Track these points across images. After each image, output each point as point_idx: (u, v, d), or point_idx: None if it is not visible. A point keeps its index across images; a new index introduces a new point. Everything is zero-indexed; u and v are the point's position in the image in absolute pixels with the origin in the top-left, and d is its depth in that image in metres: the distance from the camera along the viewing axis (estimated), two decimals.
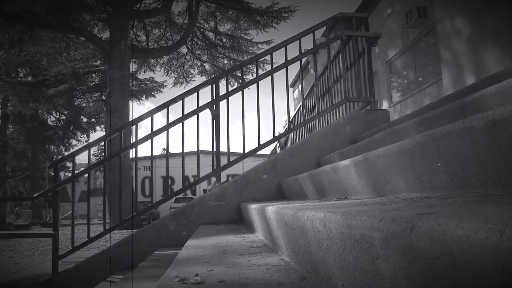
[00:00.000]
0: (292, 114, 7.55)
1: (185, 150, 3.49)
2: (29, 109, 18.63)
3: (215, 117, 3.55)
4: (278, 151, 8.07)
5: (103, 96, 19.50)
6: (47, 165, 23.84)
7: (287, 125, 5.63)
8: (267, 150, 13.68)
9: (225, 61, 16.88)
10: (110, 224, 8.24)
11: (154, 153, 3.76)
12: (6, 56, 16.88)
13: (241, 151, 3.56)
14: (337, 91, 4.13)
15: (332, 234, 0.79)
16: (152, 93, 19.75)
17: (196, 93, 3.56)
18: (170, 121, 3.52)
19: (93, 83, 19.87)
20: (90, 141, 14.88)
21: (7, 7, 11.49)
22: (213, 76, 15.86)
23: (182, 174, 3.83)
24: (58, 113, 23.74)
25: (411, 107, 9.06)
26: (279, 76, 3.91)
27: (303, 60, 3.86)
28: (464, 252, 0.41)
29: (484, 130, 0.94)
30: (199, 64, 17.19)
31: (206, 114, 3.61)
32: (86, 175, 3.63)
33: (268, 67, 12.74)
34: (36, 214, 22.77)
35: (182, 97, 3.60)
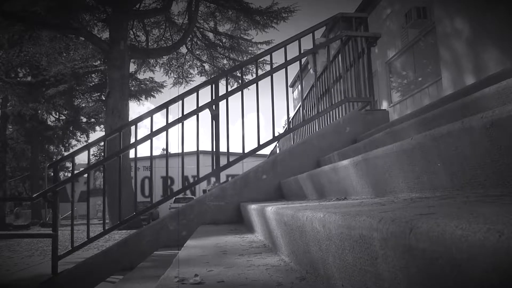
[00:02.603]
0: (291, 114, 7.55)
1: (185, 150, 3.49)
2: (28, 109, 18.63)
3: (215, 117, 3.55)
4: (278, 151, 8.07)
5: (102, 96, 19.51)
6: (46, 165, 23.79)
7: (286, 125, 5.63)
8: (266, 150, 13.68)
9: (225, 61, 16.89)
10: (110, 225, 8.24)
11: (154, 153, 3.76)
12: (6, 56, 16.87)
13: (241, 151, 3.56)
14: (337, 91, 4.13)
15: (332, 235, 0.79)
16: (152, 93, 19.76)
17: (195, 93, 3.56)
18: (169, 121, 3.52)
19: (93, 83, 19.87)
20: (89, 141, 14.89)
21: (7, 7, 11.49)
22: (212, 76, 15.87)
23: (182, 174, 3.83)
24: (57, 113, 23.74)
25: (410, 107, 9.07)
26: (279, 76, 3.91)
27: (303, 60, 3.86)
28: (463, 252, 0.41)
29: (483, 131, 0.94)
30: (198, 64, 17.20)
31: (205, 114, 3.61)
32: (85, 175, 3.63)
33: (268, 67, 12.75)
34: (35, 215, 22.76)
35: (181, 97, 3.60)
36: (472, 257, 0.40)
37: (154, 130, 3.52)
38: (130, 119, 10.86)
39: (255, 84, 3.70)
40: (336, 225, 0.76)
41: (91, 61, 16.98)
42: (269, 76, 3.70)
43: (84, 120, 24.23)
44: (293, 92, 19.50)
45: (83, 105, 21.31)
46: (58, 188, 3.44)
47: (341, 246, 0.76)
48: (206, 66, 17.18)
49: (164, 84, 19.58)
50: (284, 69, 3.69)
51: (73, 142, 27.02)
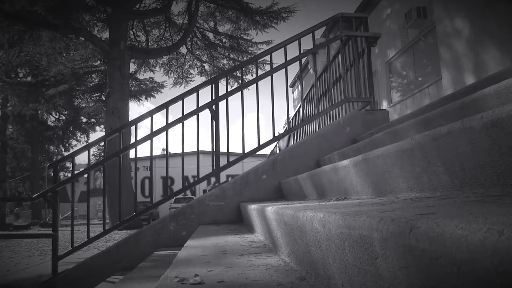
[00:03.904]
0: (291, 114, 7.55)
1: (185, 150, 3.49)
2: (28, 109, 18.63)
3: (215, 117, 3.55)
4: (278, 151, 8.07)
5: (102, 96, 19.51)
6: (46, 165, 23.77)
7: (286, 125, 5.63)
8: (266, 150, 13.67)
9: (225, 61, 16.88)
10: (110, 225, 8.24)
11: (154, 153, 3.76)
12: (6, 56, 16.87)
13: (241, 151, 3.56)
14: (337, 91, 4.13)
15: (332, 235, 0.79)
16: (152, 93, 19.76)
17: (195, 93, 3.56)
18: (169, 121, 3.52)
19: (93, 83, 19.88)
20: (89, 141, 14.89)
21: (7, 7, 11.49)
22: (212, 76, 15.87)
23: (182, 174, 3.83)
24: (57, 113, 23.75)
25: (410, 107, 9.07)
26: (279, 76, 3.92)
27: (303, 60, 3.86)
28: (463, 252, 0.41)
29: (483, 131, 0.94)
30: (198, 64, 17.20)
31: (206, 114, 3.61)
32: (85, 175, 3.63)
33: (268, 67, 12.74)
34: (35, 215, 22.76)
35: (181, 97, 3.60)
36: (472, 257, 0.40)
37: (154, 130, 3.52)
38: (130, 119, 10.87)
39: (255, 84, 3.70)
40: (336, 225, 0.76)
41: (91, 61, 16.98)
42: (269, 76, 3.70)
43: (84, 120, 24.23)
44: (293, 92, 19.50)
45: (83, 105, 21.31)
46: (58, 188, 3.44)
47: (341, 246, 0.76)
48: (206, 66, 17.18)
49: (164, 84, 19.60)
50: (284, 69, 3.69)
51: (73, 142, 27.05)
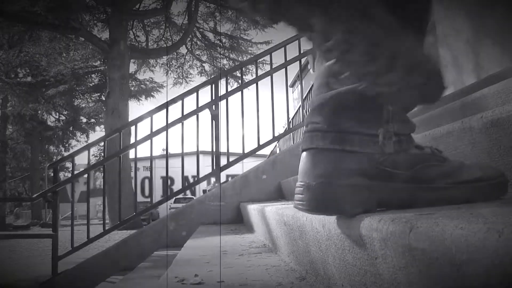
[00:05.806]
0: (291, 114, 7.55)
1: (185, 151, 3.49)
2: (28, 109, 18.62)
3: (215, 118, 3.55)
4: (278, 151, 8.07)
5: (102, 97, 19.51)
6: (46, 165, 23.76)
7: (286, 125, 5.63)
8: (266, 150, 13.66)
9: (225, 61, 16.89)
10: (110, 225, 8.24)
11: (154, 153, 3.76)
12: (6, 57, 16.87)
13: (241, 151, 3.56)
14: None
15: (331, 234, 0.79)
16: (152, 93, 19.75)
17: (195, 93, 3.56)
18: (169, 122, 3.52)
19: (93, 84, 19.87)
20: (89, 141, 14.88)
21: (7, 7, 11.49)
22: (212, 76, 15.88)
23: (182, 174, 3.83)
24: (57, 114, 23.72)
25: None
26: (279, 76, 3.92)
27: (303, 60, 3.86)
28: (463, 252, 0.41)
29: (483, 131, 0.94)
30: (198, 64, 17.21)
31: (205, 115, 3.61)
32: (85, 175, 3.63)
33: (268, 67, 12.71)
34: (35, 215, 22.75)
35: (181, 97, 3.60)
36: (471, 257, 0.40)
37: (154, 130, 3.52)
38: (130, 119, 10.87)
39: (255, 84, 3.70)
40: (336, 225, 0.76)
41: (91, 62, 16.99)
42: (269, 76, 3.70)
43: (84, 120, 24.21)
44: (293, 92, 19.51)
45: (83, 105, 21.30)
46: (58, 188, 3.44)
47: (341, 246, 0.76)
48: (206, 66, 17.19)
49: (164, 84, 19.61)
50: (284, 69, 3.69)
51: (73, 142, 27.02)
